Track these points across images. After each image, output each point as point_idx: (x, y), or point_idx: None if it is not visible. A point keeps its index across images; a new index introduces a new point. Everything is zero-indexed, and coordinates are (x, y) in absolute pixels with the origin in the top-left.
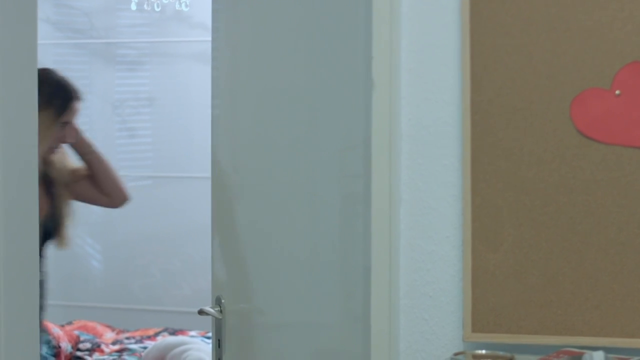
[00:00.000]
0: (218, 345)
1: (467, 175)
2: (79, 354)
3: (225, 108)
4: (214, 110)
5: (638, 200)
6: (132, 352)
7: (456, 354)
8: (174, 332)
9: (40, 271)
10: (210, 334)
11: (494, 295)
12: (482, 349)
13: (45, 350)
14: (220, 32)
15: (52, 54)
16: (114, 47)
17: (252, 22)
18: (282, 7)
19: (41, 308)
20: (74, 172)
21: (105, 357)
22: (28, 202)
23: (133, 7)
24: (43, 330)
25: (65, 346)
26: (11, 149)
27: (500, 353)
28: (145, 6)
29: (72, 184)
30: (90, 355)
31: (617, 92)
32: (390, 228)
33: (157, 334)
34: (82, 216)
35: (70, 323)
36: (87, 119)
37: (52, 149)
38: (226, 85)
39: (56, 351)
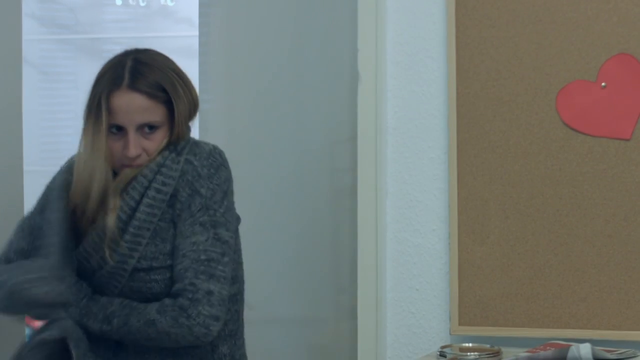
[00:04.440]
0: None
1: (454, 167)
2: None
3: (214, 103)
4: (202, 106)
5: (624, 192)
6: None
7: (443, 347)
8: None
9: None
10: None
11: (480, 288)
12: (469, 342)
13: None
14: (208, 27)
15: (37, 49)
16: (100, 43)
17: (239, 17)
18: (269, 2)
19: None
20: None
21: None
22: (13, 198)
23: (118, 2)
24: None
25: None
26: None
27: (487, 346)
28: (130, 1)
29: None
30: None
31: (603, 84)
32: (376, 221)
33: None
34: None
35: None
36: (72, 114)
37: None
38: (214, 81)
39: None
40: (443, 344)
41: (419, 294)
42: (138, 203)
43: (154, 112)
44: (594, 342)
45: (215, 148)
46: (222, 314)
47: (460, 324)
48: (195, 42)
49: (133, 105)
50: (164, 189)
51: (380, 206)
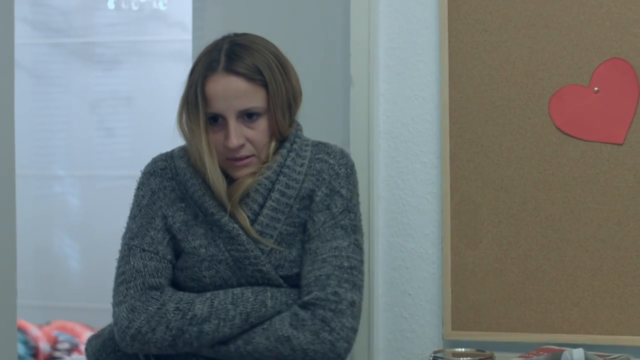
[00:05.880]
0: None
1: (446, 172)
2: (57, 354)
3: None
4: None
5: (617, 197)
6: None
7: (436, 352)
8: None
9: None
10: None
11: (473, 293)
12: (461, 347)
13: (23, 350)
14: (201, 30)
15: (30, 53)
16: (92, 47)
17: (233, 21)
18: (262, 6)
19: None
20: None
21: (84, 357)
22: (5, 202)
23: (110, 5)
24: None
25: (44, 346)
26: None
27: (480, 351)
28: (122, 5)
29: None
30: (68, 355)
31: (596, 89)
32: (368, 225)
33: None
34: (60, 216)
35: (48, 323)
36: (64, 118)
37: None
38: None
39: (34, 352)
40: (436, 349)
41: (412, 298)
42: (261, 207)
43: (254, 97)
44: (587, 347)
45: (343, 149)
46: (358, 327)
47: (453, 328)
48: (188, 46)
49: (230, 89)
50: (288, 192)
51: (372, 211)
